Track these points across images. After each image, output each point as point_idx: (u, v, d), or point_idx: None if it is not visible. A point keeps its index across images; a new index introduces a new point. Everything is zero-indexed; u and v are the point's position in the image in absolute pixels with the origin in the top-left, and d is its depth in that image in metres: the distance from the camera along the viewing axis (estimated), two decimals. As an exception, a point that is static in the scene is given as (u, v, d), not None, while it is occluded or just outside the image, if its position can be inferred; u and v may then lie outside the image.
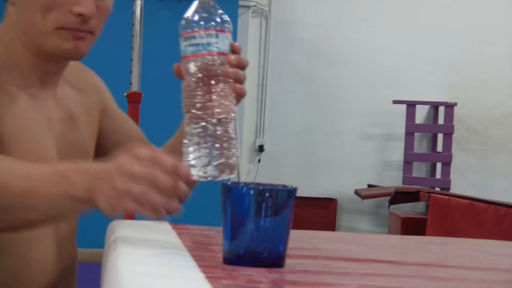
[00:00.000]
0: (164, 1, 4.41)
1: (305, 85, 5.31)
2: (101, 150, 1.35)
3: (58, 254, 1.21)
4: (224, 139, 1.03)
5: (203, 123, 1.03)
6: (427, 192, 4.13)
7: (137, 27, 3.09)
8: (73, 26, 1.13)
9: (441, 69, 5.35)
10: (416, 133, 5.15)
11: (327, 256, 1.09)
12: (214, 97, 1.03)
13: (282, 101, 5.32)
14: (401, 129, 5.14)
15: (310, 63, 5.30)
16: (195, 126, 1.03)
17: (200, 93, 1.04)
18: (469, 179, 5.30)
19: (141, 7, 3.09)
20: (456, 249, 1.47)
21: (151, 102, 3.20)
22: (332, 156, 5.28)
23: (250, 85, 5.30)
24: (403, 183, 4.96)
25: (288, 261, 0.93)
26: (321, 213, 5.14)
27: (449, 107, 5.08)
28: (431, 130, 5.35)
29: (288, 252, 0.90)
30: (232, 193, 0.90)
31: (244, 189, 0.90)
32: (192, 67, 1.04)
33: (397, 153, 5.24)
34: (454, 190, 4.82)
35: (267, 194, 0.89)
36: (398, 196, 4.34)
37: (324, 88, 5.31)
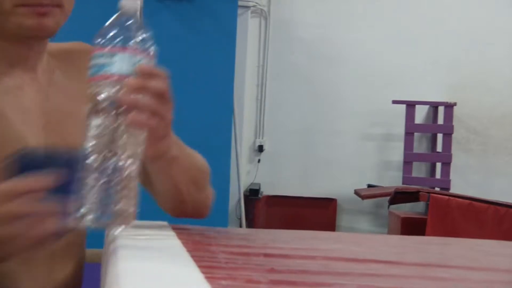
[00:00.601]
0: (163, 1, 4.41)
1: (305, 85, 5.31)
2: None
3: (52, 270, 1.15)
4: (124, 182, 0.88)
5: (99, 159, 0.88)
6: (427, 192, 4.13)
7: (136, 27, 3.10)
8: (33, 1, 1.03)
9: (441, 69, 5.35)
10: (415, 133, 5.16)
11: (327, 256, 1.09)
12: (110, 129, 0.88)
13: (282, 101, 5.32)
14: (400, 129, 5.14)
15: (310, 63, 5.30)
16: (91, 161, 0.88)
17: (95, 123, 0.89)
18: (469, 179, 5.30)
19: (140, 8, 3.09)
20: (456, 249, 1.47)
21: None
22: (331, 156, 5.28)
23: (250, 85, 5.31)
24: (402, 183, 4.97)
25: (287, 261, 0.93)
26: (321, 213, 5.14)
27: (449, 107, 5.08)
28: (430, 130, 5.35)
29: (288, 252, 0.90)
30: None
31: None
32: (88, 92, 0.88)
33: (397, 153, 5.24)
34: (454, 190, 4.82)
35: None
36: (398, 196, 4.34)
37: (323, 88, 5.32)
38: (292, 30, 5.32)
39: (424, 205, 4.68)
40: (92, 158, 0.87)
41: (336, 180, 5.25)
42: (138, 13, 0.94)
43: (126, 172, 0.87)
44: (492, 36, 5.33)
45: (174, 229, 1.22)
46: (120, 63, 0.87)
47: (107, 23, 0.90)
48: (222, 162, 3.95)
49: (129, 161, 0.87)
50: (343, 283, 0.84)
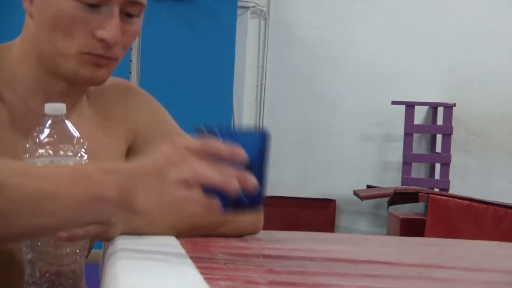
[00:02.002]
0: (162, 2, 4.41)
1: (304, 86, 5.31)
2: None
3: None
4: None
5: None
6: (426, 193, 4.12)
7: (136, 27, 3.10)
8: (96, 51, 1.08)
9: (440, 70, 5.35)
10: (415, 134, 5.15)
11: (326, 257, 1.09)
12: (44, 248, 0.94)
13: (281, 102, 5.32)
14: (400, 130, 5.13)
15: (309, 64, 5.30)
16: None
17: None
18: (468, 179, 5.30)
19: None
20: (455, 250, 1.47)
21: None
22: (331, 157, 5.28)
23: (249, 86, 5.31)
24: (402, 184, 4.96)
25: (286, 262, 0.93)
26: (320, 214, 5.14)
27: (448, 107, 5.08)
28: (430, 130, 5.35)
29: (287, 253, 0.90)
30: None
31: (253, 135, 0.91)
32: None
33: (396, 154, 5.24)
34: (453, 190, 4.82)
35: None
36: (397, 197, 4.34)
37: (323, 89, 5.31)
38: (291, 31, 5.32)
39: (423, 206, 4.68)
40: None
41: (335, 181, 5.25)
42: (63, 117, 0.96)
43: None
44: (491, 37, 5.33)
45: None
46: None
47: (39, 129, 0.93)
48: (221, 163, 3.94)
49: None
50: (343, 284, 0.84)
